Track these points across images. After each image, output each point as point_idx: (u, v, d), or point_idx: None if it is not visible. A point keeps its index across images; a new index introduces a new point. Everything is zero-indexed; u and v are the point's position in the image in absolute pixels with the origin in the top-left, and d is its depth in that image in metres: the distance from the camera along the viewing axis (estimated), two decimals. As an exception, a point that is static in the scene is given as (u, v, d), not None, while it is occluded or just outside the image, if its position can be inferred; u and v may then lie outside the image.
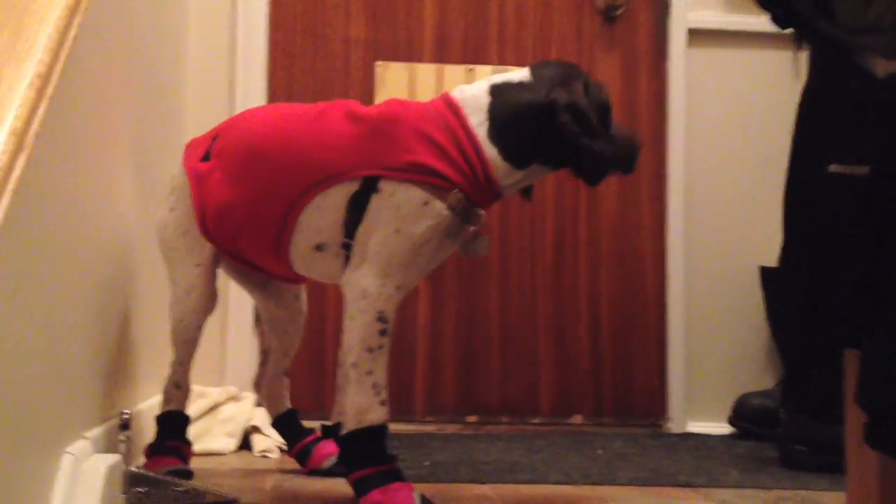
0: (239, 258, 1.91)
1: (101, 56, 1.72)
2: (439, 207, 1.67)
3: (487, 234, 1.79)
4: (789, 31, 1.76)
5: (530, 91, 1.72)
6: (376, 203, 1.68)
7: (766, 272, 2.90)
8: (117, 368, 1.94)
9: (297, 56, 2.99)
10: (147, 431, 2.03)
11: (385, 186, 1.68)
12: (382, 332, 1.68)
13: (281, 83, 2.98)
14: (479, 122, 1.71)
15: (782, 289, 2.43)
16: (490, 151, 1.70)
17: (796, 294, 2.26)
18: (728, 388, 2.97)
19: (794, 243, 2.32)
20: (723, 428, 2.95)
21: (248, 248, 1.85)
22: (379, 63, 3.00)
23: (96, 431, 1.67)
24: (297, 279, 1.97)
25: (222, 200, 1.81)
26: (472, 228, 1.73)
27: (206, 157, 1.87)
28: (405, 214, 1.67)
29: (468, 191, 1.69)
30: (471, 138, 1.69)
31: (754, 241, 3.00)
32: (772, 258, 2.46)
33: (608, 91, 1.81)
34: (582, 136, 1.68)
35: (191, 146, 1.95)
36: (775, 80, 3.06)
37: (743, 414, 2.89)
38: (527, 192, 1.86)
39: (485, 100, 1.72)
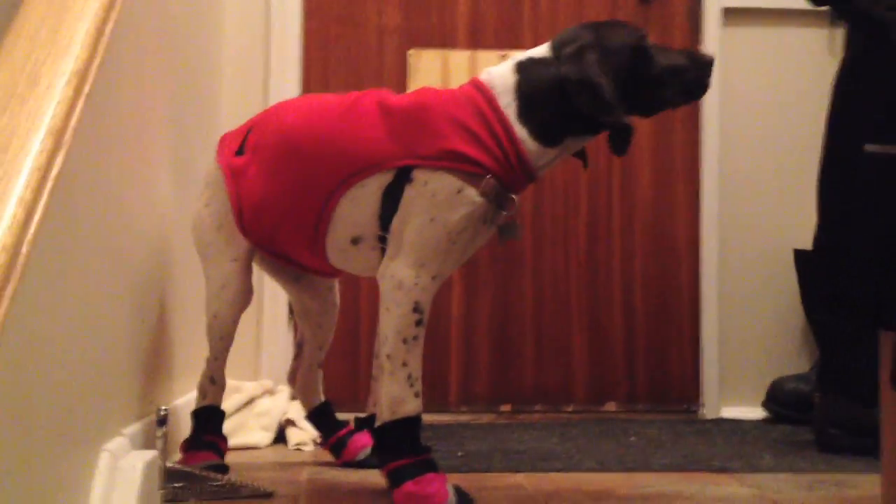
0: (276, 253, 1.91)
1: (137, 51, 1.72)
2: (473, 194, 1.66)
3: (520, 221, 1.77)
4: (825, 8, 1.73)
5: (551, 66, 1.69)
6: (410, 193, 1.67)
7: (800, 255, 2.87)
8: (154, 365, 1.95)
9: (330, 45, 2.99)
10: (184, 427, 2.04)
11: (418, 175, 1.67)
12: (418, 323, 1.68)
13: (315, 73, 2.98)
14: (507, 103, 1.68)
15: (816, 271, 2.41)
16: (521, 132, 1.67)
17: (830, 276, 2.24)
18: (762, 373, 2.96)
19: (828, 224, 2.30)
20: (757, 412, 2.93)
21: (285, 243, 1.85)
22: (412, 51, 2.99)
23: (134, 428, 1.68)
24: (334, 273, 1.96)
25: (259, 195, 1.81)
26: (504, 214, 1.72)
27: (240, 151, 1.88)
28: (439, 202, 1.66)
29: (501, 176, 1.67)
30: (501, 121, 1.67)
31: (789, 224, 2.97)
32: (807, 240, 2.44)
33: (635, 28, 1.75)
34: (600, 112, 1.66)
35: (224, 140, 1.96)
36: (811, 59, 3.03)
37: (777, 398, 2.87)
38: (582, 158, 1.82)
39: (511, 79, 1.70)
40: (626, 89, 1.67)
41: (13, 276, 0.87)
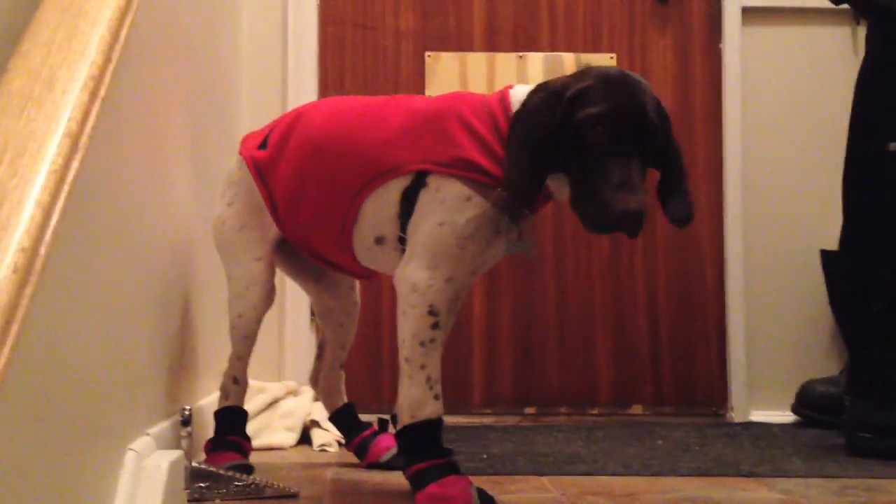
0: (312, 253, 1.92)
1: (154, 55, 1.73)
2: (482, 203, 1.65)
3: (532, 237, 1.75)
4: (844, 6, 1.71)
5: (547, 96, 1.59)
6: (424, 197, 1.68)
7: (826, 255, 2.84)
8: (179, 365, 1.96)
9: (347, 49, 3.00)
10: (207, 427, 2.05)
11: (432, 181, 1.67)
12: (434, 326, 1.68)
13: (332, 77, 2.99)
14: None
15: (842, 271, 2.39)
16: None
17: (856, 276, 2.22)
18: (791, 376, 2.93)
19: (853, 224, 2.27)
20: (786, 416, 2.90)
21: (319, 243, 1.87)
22: (429, 53, 2.99)
23: (158, 428, 1.69)
24: (369, 274, 1.95)
25: (290, 195, 1.84)
26: (517, 228, 1.69)
27: (262, 146, 1.90)
28: (449, 207, 1.66)
29: None
30: None
31: (815, 223, 2.94)
32: (833, 240, 2.42)
33: (609, 107, 1.52)
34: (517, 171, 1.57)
35: (247, 138, 1.99)
36: (833, 57, 3.00)
37: (807, 402, 2.84)
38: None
39: (524, 98, 1.64)
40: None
41: (32, 278, 0.87)
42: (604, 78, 1.56)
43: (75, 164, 0.95)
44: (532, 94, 1.62)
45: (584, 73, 1.61)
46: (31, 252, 0.87)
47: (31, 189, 0.89)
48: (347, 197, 1.76)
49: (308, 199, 1.82)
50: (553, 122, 1.56)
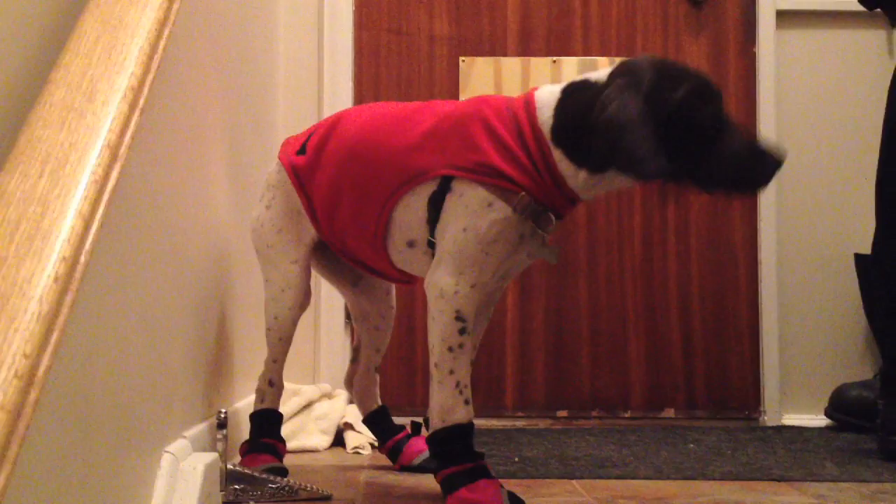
0: (352, 259, 1.95)
1: (192, 65, 1.76)
2: (503, 208, 1.64)
3: (557, 245, 1.73)
4: (876, 10, 1.70)
5: (598, 93, 1.59)
6: (450, 202, 1.69)
7: (861, 259, 2.82)
8: (215, 368, 1.99)
9: (382, 54, 3.03)
10: (244, 429, 2.08)
11: (457, 186, 1.68)
12: (462, 331, 1.68)
13: (367, 82, 3.02)
14: (544, 120, 1.65)
15: (876, 274, 2.37)
16: (556, 153, 1.64)
17: (890, 280, 2.20)
18: (825, 380, 2.92)
19: (887, 228, 2.26)
20: (820, 420, 2.89)
21: (355, 248, 1.89)
22: (464, 58, 3.01)
23: (195, 430, 1.71)
24: (408, 279, 1.95)
25: (327, 200, 1.86)
26: (542, 234, 1.68)
27: (301, 151, 1.92)
28: (471, 212, 1.66)
29: (535, 192, 1.64)
30: (538, 139, 1.64)
31: (850, 227, 2.92)
32: (868, 244, 2.41)
33: (695, 84, 1.60)
34: (618, 161, 1.56)
35: (287, 143, 2.02)
36: (869, 61, 2.98)
37: (841, 405, 2.82)
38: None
39: (556, 97, 1.66)
40: (673, 146, 1.55)
41: (72, 286, 0.90)
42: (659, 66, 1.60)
43: (115, 174, 0.97)
44: (611, 81, 1.58)
45: (624, 66, 1.62)
46: (72, 261, 0.89)
47: (72, 199, 0.90)
48: (379, 202, 1.77)
49: (343, 205, 1.84)
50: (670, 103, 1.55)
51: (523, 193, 1.64)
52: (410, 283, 2.01)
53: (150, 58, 1.07)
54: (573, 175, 1.65)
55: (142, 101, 1.04)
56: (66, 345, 0.94)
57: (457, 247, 1.67)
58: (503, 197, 1.64)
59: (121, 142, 0.98)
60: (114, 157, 0.96)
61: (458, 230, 1.67)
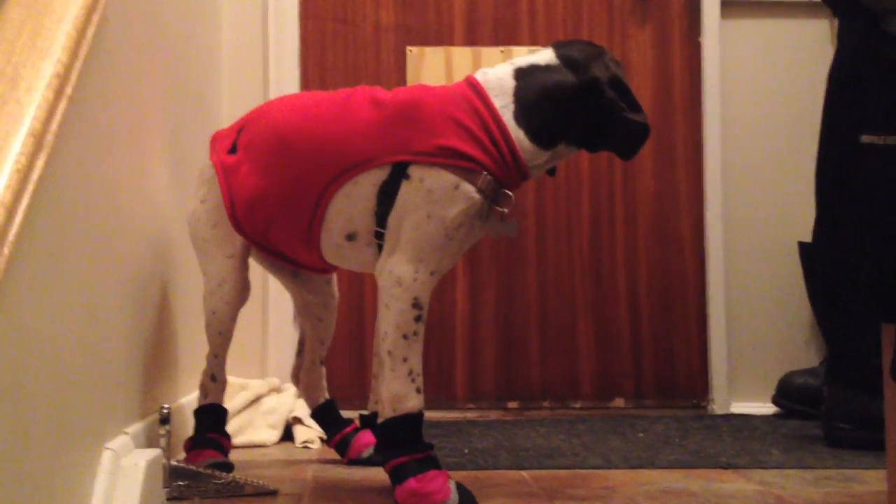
0: (270, 250, 1.91)
1: (129, 51, 1.73)
2: (470, 190, 1.67)
3: (515, 218, 1.77)
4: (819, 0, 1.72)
5: (557, 73, 1.72)
6: (406, 189, 1.68)
7: (804, 247, 2.85)
8: (156, 363, 1.96)
9: (328, 44, 3.00)
10: (188, 425, 2.05)
11: (414, 172, 1.67)
12: (417, 319, 1.68)
13: (313, 71, 2.99)
14: (504, 105, 1.70)
15: (816, 262, 2.39)
16: (517, 133, 1.70)
17: (830, 268, 2.22)
18: (772, 367, 2.95)
19: (826, 216, 2.28)
20: (767, 408, 2.92)
21: (279, 240, 1.86)
22: (411, 48, 2.99)
23: (136, 427, 1.69)
24: (328, 269, 1.97)
25: (252, 192, 1.82)
26: (501, 210, 1.72)
27: (232, 150, 1.88)
28: (437, 199, 1.66)
29: (497, 173, 1.69)
30: (497, 120, 1.69)
31: (795, 216, 2.95)
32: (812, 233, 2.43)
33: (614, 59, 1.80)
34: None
35: (217, 138, 1.97)
36: (812, 50, 3.02)
37: (787, 393, 2.86)
38: (550, 171, 1.85)
39: (510, 83, 1.72)
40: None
41: (-4, 278, 0.87)
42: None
43: (40, 163, 0.94)
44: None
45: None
46: (-5, 252, 0.86)
47: (-6, 188, 0.88)
48: (314, 192, 1.74)
49: (270, 196, 1.80)
50: None
51: (485, 174, 1.66)
52: (328, 273, 2.04)
53: (78, 44, 1.04)
54: (532, 153, 1.71)
55: (69, 89, 1.01)
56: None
57: (419, 234, 1.67)
58: (468, 178, 1.66)
59: (46, 130, 0.95)
60: (39, 146, 0.93)
61: (422, 217, 1.67)
